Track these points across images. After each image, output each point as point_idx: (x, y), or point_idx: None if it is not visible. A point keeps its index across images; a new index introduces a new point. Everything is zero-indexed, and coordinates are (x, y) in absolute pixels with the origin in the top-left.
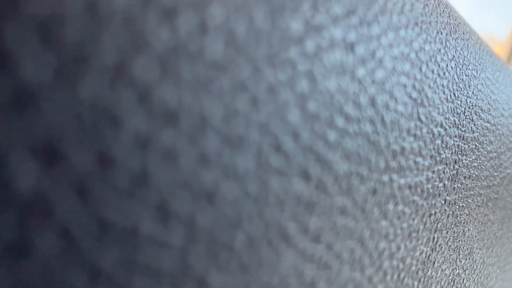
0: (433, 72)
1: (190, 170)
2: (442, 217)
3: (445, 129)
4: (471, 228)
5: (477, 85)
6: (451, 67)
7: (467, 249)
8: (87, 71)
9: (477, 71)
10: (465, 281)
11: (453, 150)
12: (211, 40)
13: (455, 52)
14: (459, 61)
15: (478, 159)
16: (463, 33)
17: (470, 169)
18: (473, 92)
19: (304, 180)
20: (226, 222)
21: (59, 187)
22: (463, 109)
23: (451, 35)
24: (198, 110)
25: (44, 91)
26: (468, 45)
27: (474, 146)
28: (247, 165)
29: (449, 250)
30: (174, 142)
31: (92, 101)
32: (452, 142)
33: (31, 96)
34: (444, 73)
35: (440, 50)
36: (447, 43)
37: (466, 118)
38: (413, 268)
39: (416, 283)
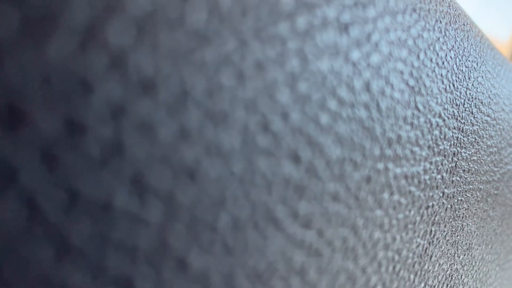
0: (431, 60)
1: (169, 144)
2: (440, 210)
3: (444, 120)
4: (470, 223)
5: (477, 77)
6: (450, 57)
7: (466, 244)
8: (56, 31)
9: (477, 64)
10: (463, 277)
11: (452, 142)
12: (193, 7)
13: (455, 42)
14: (459, 51)
15: (477, 152)
16: (463, 24)
17: (469, 163)
18: (473, 84)
19: (294, 163)
20: (209, 201)
21: (23, 152)
22: (462, 101)
23: (450, 25)
24: (178, 81)
25: (7, 48)
26: (468, 37)
27: (473, 140)
28: (232, 143)
29: (447, 245)
30: (152, 113)
31: (60, 62)
32: (451, 134)
33: None
34: (443, 63)
35: (439, 39)
36: (447, 33)
37: (465, 110)
38: (409, 261)
39: (412, 276)
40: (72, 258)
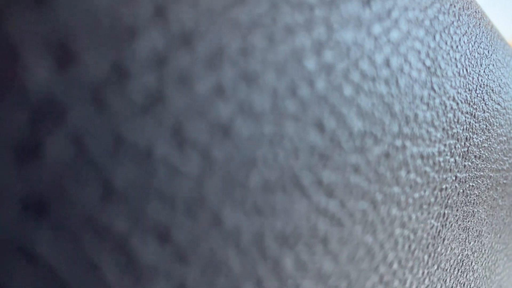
0: (446, 43)
1: (206, 99)
2: (453, 194)
3: (457, 104)
4: (481, 210)
5: (489, 65)
6: (464, 41)
7: (476, 231)
8: None
9: (488, 51)
10: (473, 263)
11: (465, 127)
12: None
13: (468, 28)
14: (471, 37)
15: (488, 140)
16: (475, 11)
17: (480, 149)
18: (484, 71)
19: (319, 131)
20: (241, 160)
21: (73, 91)
22: (474, 86)
23: (463, 10)
24: (214, 37)
25: None
26: (480, 24)
27: (484, 126)
28: (263, 104)
29: (458, 229)
30: (190, 66)
31: (109, 8)
32: (464, 118)
33: None
34: (457, 47)
35: (453, 22)
36: (460, 18)
37: (477, 96)
38: (424, 241)
39: (426, 257)
40: (116, 202)
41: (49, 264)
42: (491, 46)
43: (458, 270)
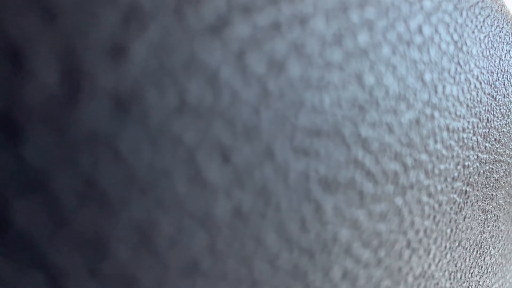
0: (472, 21)
1: (265, 32)
2: (474, 173)
3: (480, 83)
4: (499, 195)
5: (509, 51)
6: (487, 23)
7: (495, 215)
8: None
9: (509, 37)
10: (491, 247)
11: (486, 108)
12: None
13: (491, 11)
14: (494, 21)
15: (508, 125)
16: None
17: (500, 133)
18: (505, 56)
19: (359, 84)
20: (292, 97)
21: (157, 1)
22: (496, 69)
23: None
24: None
25: None
26: (501, 10)
27: (504, 111)
28: (313, 47)
29: (478, 210)
30: None
31: None
32: (486, 99)
33: None
34: (481, 27)
35: (478, 3)
36: (484, 0)
37: (498, 79)
38: (447, 215)
39: (448, 231)
40: (188, 114)
41: (130, 163)
42: (511, 33)
43: (477, 251)
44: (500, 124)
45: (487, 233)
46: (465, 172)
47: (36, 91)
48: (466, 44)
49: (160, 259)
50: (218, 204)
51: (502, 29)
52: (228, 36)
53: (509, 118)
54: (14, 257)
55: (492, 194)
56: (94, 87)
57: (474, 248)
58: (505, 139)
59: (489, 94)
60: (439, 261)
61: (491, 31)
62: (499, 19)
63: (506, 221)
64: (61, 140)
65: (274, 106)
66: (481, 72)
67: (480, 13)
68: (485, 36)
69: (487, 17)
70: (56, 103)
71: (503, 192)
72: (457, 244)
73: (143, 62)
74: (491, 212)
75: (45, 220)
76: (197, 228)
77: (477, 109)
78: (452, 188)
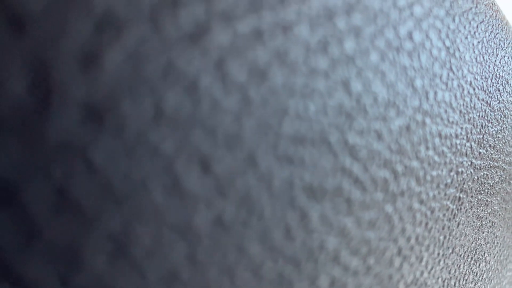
0: (464, 27)
1: (246, 39)
2: (468, 180)
3: (474, 89)
4: (494, 201)
5: (504, 56)
6: (481, 29)
7: (490, 221)
8: None
9: (504, 43)
10: (486, 254)
11: (480, 114)
12: None
13: (485, 16)
14: (488, 27)
15: (502, 131)
16: (492, 3)
17: (495, 139)
18: (500, 62)
19: (346, 91)
20: (275, 106)
21: (132, 9)
22: (490, 75)
23: None
24: None
25: None
26: (496, 16)
27: (499, 117)
28: (297, 55)
29: (473, 216)
30: (234, 4)
31: None
32: (480, 105)
33: None
34: (474, 33)
35: (471, 8)
36: (478, 5)
37: (493, 85)
38: (440, 222)
39: (441, 238)
40: (165, 124)
41: (104, 174)
42: (506, 39)
43: (472, 258)
44: (495, 130)
45: (482, 239)
46: (459, 179)
47: (5, 100)
48: (459, 50)
49: (138, 269)
50: (198, 214)
51: (496, 34)
52: (208, 44)
53: (504, 124)
54: None
55: (487, 200)
56: (64, 97)
57: (468, 255)
58: (500, 145)
59: (483, 100)
60: (431, 268)
61: (485, 37)
62: (493, 25)
63: (501, 227)
64: (31, 150)
65: (256, 114)
66: (475, 78)
67: (473, 18)
68: (478, 42)
69: (480, 22)
70: (26, 113)
71: (498, 198)
72: (450, 251)
73: (117, 70)
74: (486, 218)
75: (15, 232)
76: (177, 238)
77: (470, 115)
78: (445, 194)
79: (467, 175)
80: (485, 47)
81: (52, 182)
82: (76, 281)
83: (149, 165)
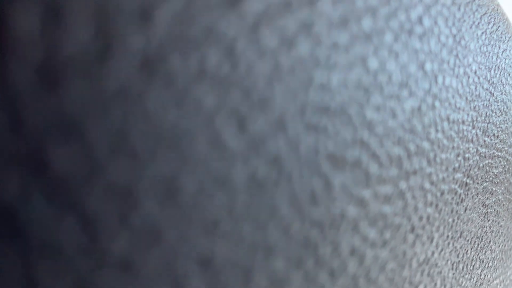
0: (469, 17)
1: (278, 7)
2: (474, 166)
3: (478, 78)
4: (498, 191)
5: (506, 49)
6: (485, 21)
7: (495, 210)
8: None
9: (505, 37)
10: (491, 242)
11: (484, 103)
12: None
13: (487, 9)
14: (491, 19)
15: (505, 122)
16: None
17: (498, 129)
18: (502, 54)
19: (364, 67)
20: (302, 73)
21: None
22: (493, 66)
23: None
24: None
25: None
26: (498, 10)
27: (502, 108)
28: (321, 27)
29: (479, 203)
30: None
31: None
32: (484, 94)
33: None
34: (478, 23)
35: (475, 0)
36: None
37: (496, 76)
38: (449, 205)
39: (450, 220)
40: (207, 80)
41: (157, 121)
42: (508, 33)
43: (478, 244)
44: (498, 120)
45: (488, 227)
46: (466, 164)
47: (73, 45)
48: (464, 39)
49: (184, 215)
50: (236, 169)
51: (498, 27)
52: (244, 10)
53: (506, 115)
54: (52, 199)
55: (492, 189)
56: (123, 46)
57: (475, 241)
58: (504, 136)
59: (487, 89)
60: (441, 250)
61: (488, 28)
62: (495, 18)
63: (506, 217)
64: (94, 92)
65: (286, 80)
66: (479, 67)
67: (477, 10)
68: (482, 33)
69: (484, 14)
70: (90, 58)
71: (502, 188)
72: (458, 234)
73: (167, 27)
74: (491, 206)
75: (80, 166)
76: (217, 189)
77: (475, 103)
78: (453, 178)
79: (473, 161)
80: (488, 38)
81: (112, 123)
82: (133, 219)
83: (194, 117)
